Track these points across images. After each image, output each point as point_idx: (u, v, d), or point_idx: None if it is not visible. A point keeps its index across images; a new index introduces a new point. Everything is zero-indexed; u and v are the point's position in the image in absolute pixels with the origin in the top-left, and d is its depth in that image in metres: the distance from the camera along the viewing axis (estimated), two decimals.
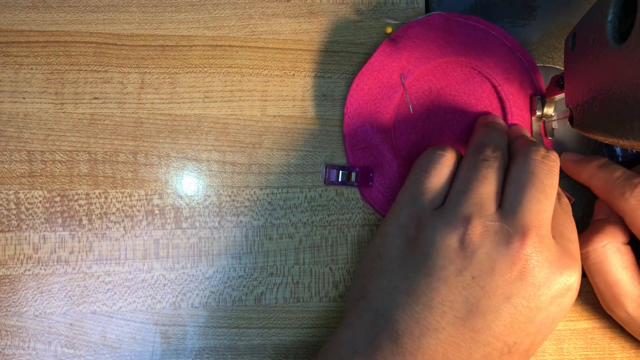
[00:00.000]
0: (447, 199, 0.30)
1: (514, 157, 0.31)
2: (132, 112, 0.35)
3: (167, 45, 0.36)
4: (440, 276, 0.28)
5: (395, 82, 0.35)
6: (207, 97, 0.36)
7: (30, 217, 0.34)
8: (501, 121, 0.35)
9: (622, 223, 0.33)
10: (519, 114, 0.36)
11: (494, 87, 0.36)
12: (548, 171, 0.29)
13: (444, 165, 0.31)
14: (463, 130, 0.36)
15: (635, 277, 0.32)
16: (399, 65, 0.35)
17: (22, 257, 0.34)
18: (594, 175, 0.33)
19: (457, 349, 0.27)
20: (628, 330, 0.34)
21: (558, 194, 0.31)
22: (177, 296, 0.34)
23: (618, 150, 0.36)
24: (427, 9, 0.38)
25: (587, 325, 0.35)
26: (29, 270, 0.34)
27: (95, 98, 0.35)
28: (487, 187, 0.29)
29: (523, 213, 0.28)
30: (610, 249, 0.32)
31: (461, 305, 0.27)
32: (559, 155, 0.34)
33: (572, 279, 0.28)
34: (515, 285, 0.27)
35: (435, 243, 0.28)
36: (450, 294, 0.28)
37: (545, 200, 0.29)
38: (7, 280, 0.33)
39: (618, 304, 0.32)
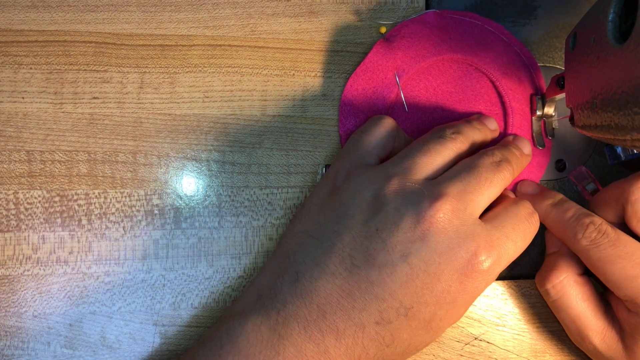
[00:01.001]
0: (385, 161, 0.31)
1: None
2: (132, 112, 0.35)
3: (166, 45, 0.35)
4: (347, 224, 0.28)
5: (390, 81, 0.35)
6: (207, 97, 0.35)
7: (29, 217, 0.34)
8: (489, 125, 0.34)
9: (575, 254, 0.32)
10: (518, 107, 0.36)
11: (492, 82, 0.36)
12: (491, 169, 0.29)
13: (381, 126, 0.32)
14: None
15: (597, 309, 0.32)
16: (393, 65, 0.35)
17: (21, 257, 0.34)
18: (547, 214, 0.33)
19: (352, 297, 0.27)
20: None
21: (531, 209, 0.31)
22: (176, 296, 0.34)
23: (619, 150, 0.36)
24: (427, 8, 0.38)
25: None
26: (28, 270, 0.33)
27: (94, 98, 0.35)
28: (424, 159, 0.30)
29: (445, 185, 0.28)
30: (568, 283, 0.32)
31: (360, 254, 0.28)
32: (522, 183, 0.35)
33: (480, 262, 0.27)
34: (415, 245, 0.27)
35: (352, 193, 0.29)
36: (353, 241, 0.28)
37: (475, 184, 0.29)
38: (6, 281, 0.33)
39: (584, 337, 0.32)
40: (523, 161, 0.33)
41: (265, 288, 0.29)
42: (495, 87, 0.36)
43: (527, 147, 0.34)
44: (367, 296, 0.27)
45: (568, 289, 0.32)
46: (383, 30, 0.36)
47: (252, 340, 0.27)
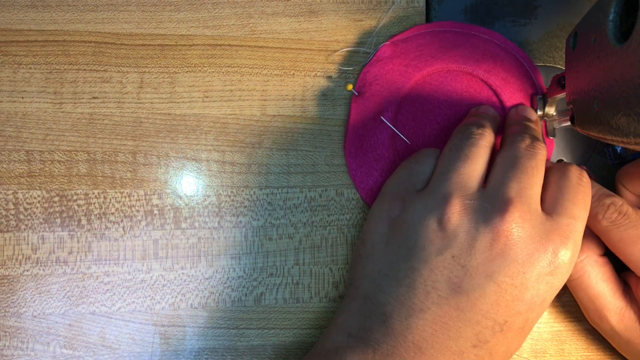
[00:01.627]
0: (430, 181, 0.30)
1: (502, 145, 0.31)
2: (131, 112, 0.35)
3: (166, 45, 0.35)
4: (420, 257, 0.28)
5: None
6: (207, 97, 0.35)
7: (28, 217, 0.34)
8: (492, 111, 0.34)
9: (595, 235, 0.32)
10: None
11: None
12: (530, 156, 0.29)
13: (430, 155, 0.32)
14: None
15: (615, 289, 0.32)
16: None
17: (20, 257, 0.33)
18: None
19: (445, 328, 0.27)
20: (613, 344, 0.33)
21: (578, 171, 0.30)
22: (176, 297, 0.34)
23: (620, 150, 0.36)
24: (428, 8, 0.38)
25: (589, 325, 0.35)
26: (27, 270, 0.33)
27: (94, 97, 0.35)
28: (468, 167, 0.29)
29: (503, 191, 0.28)
30: (588, 263, 0.32)
31: (444, 285, 0.27)
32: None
33: (560, 257, 0.27)
34: (497, 263, 0.27)
35: (414, 224, 0.29)
36: (432, 274, 0.27)
37: (526, 179, 0.28)
38: (5, 281, 0.33)
39: (602, 317, 0.32)
40: (539, 127, 0.33)
41: (354, 328, 0.29)
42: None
43: (532, 114, 0.34)
44: (460, 324, 0.27)
45: (588, 269, 0.32)
46: (350, 87, 0.35)
47: None
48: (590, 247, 0.32)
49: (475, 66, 0.35)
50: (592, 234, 0.32)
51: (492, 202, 0.28)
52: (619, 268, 0.33)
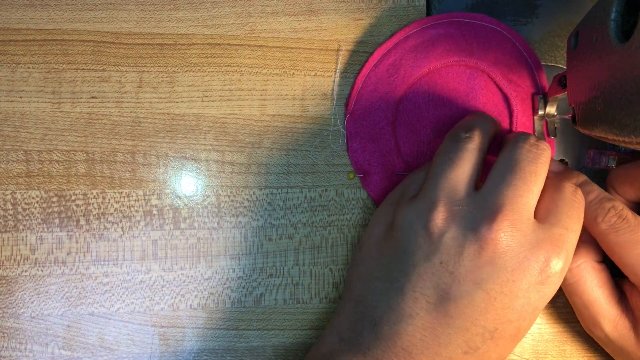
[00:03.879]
0: (422, 186, 0.30)
1: (503, 147, 0.31)
2: (130, 112, 0.35)
3: (165, 44, 0.35)
4: (409, 262, 0.28)
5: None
6: (206, 96, 0.35)
7: (27, 217, 0.34)
8: (488, 117, 0.34)
9: (595, 241, 0.32)
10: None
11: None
12: (532, 159, 0.29)
13: (429, 164, 0.32)
14: None
15: (611, 297, 0.32)
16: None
17: (19, 258, 0.33)
18: None
19: (434, 334, 0.27)
20: (608, 352, 0.33)
21: (572, 187, 0.30)
22: (175, 297, 0.34)
23: (622, 150, 0.36)
24: (428, 7, 0.37)
25: None
26: (25, 271, 0.33)
27: (92, 97, 0.35)
28: (457, 171, 0.29)
29: (494, 198, 0.28)
30: (585, 268, 0.32)
31: (432, 291, 0.27)
32: None
33: (552, 266, 0.27)
34: (486, 270, 0.27)
35: (404, 228, 0.29)
36: (420, 279, 0.27)
37: (522, 185, 0.28)
38: (4, 282, 0.33)
39: (596, 324, 0.32)
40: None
41: (346, 331, 0.29)
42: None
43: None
44: (449, 330, 0.27)
45: (584, 274, 0.32)
46: (351, 176, 0.35)
47: None
48: (588, 252, 0.32)
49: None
50: (590, 240, 0.32)
51: (481, 209, 0.27)
52: (616, 275, 0.33)
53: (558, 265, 0.27)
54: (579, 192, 0.30)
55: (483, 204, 0.28)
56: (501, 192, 0.28)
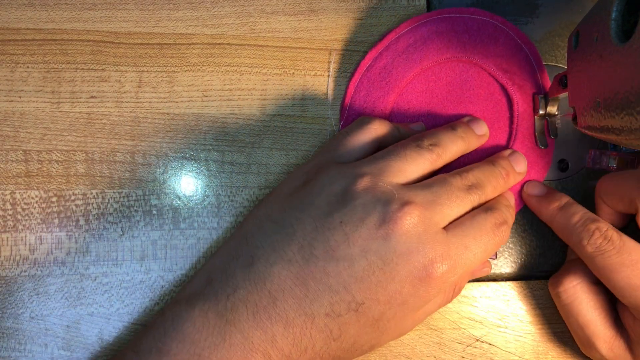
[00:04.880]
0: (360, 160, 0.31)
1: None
2: (130, 111, 0.35)
3: (165, 44, 0.35)
4: (312, 213, 0.28)
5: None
6: (206, 96, 0.35)
7: (26, 217, 0.33)
8: (477, 130, 0.34)
9: None
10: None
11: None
12: (463, 191, 0.30)
13: (367, 131, 0.32)
14: None
15: (607, 318, 0.32)
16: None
17: (18, 258, 0.33)
18: (553, 217, 0.33)
19: (305, 286, 0.27)
20: None
21: (499, 221, 0.30)
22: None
23: (623, 150, 0.36)
24: (429, 7, 0.37)
25: None
26: (25, 271, 0.33)
27: (92, 97, 0.35)
28: (400, 164, 0.30)
29: (417, 192, 0.29)
30: (581, 289, 0.32)
31: (320, 244, 0.27)
32: (526, 184, 0.35)
33: (435, 268, 0.27)
34: (377, 242, 0.27)
35: (322, 184, 0.29)
36: (315, 231, 0.28)
37: (446, 198, 0.29)
38: (3, 282, 0.33)
39: (591, 345, 0.32)
40: (510, 180, 0.33)
41: (218, 271, 0.29)
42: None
43: (521, 165, 0.34)
44: (320, 287, 0.27)
45: (580, 295, 0.32)
46: None
47: (199, 326, 0.27)
48: (584, 273, 0.32)
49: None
50: None
51: (402, 195, 0.28)
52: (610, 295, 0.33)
53: (440, 269, 0.28)
54: (504, 228, 0.30)
55: (405, 193, 0.28)
56: (423, 192, 0.29)
